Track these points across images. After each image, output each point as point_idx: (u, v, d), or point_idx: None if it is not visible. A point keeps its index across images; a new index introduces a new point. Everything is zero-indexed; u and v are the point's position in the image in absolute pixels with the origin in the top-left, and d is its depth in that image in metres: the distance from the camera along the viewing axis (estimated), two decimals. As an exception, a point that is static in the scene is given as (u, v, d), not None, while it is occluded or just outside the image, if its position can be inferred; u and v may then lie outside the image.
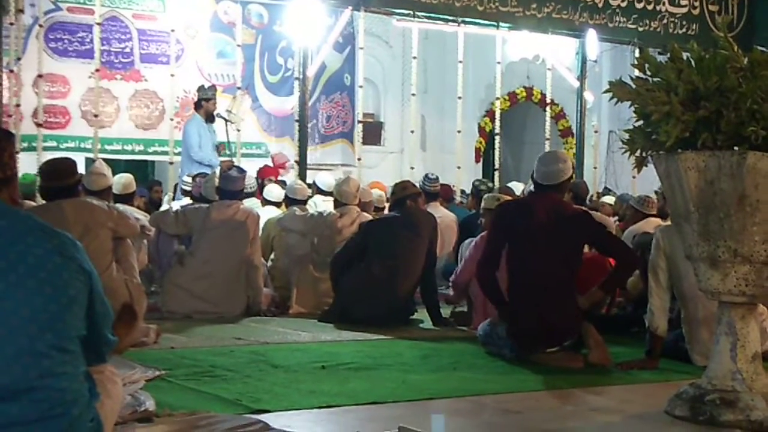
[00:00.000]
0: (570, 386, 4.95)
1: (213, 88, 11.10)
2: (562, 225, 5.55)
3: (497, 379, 5.12)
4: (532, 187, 6.04)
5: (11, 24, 9.13)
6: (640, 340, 5.73)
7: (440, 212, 8.99)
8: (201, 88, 10.97)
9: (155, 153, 12.11)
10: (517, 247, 5.64)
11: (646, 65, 4.08)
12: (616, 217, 9.76)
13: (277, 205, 9.00)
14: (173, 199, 9.76)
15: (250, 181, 8.99)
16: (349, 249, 7.27)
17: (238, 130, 10.66)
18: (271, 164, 11.40)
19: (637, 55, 10.84)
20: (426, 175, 9.56)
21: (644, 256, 6.06)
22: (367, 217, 7.91)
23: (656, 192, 8.82)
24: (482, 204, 7.76)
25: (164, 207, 9.34)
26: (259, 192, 9.55)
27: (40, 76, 9.85)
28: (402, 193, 7.46)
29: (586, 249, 6.09)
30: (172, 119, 10.24)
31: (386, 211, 8.61)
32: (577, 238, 5.63)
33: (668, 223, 6.32)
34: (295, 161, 10.72)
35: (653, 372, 5.31)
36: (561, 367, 5.34)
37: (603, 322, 6.05)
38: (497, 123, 12.20)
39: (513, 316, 5.59)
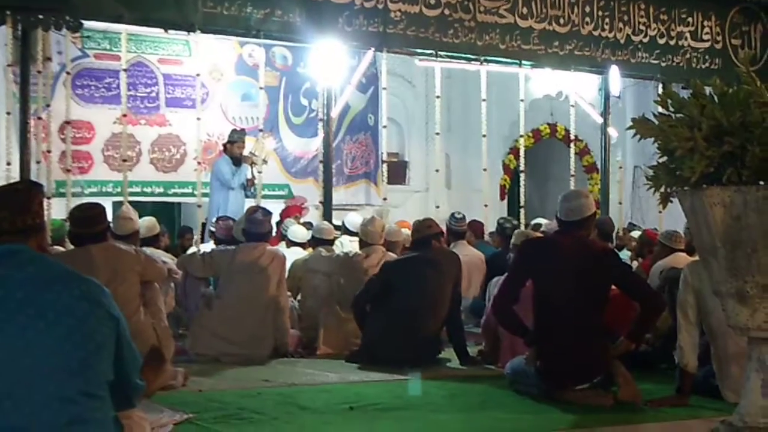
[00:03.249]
0: (600, 424, 4.92)
1: (242, 132, 11.19)
2: (588, 262, 5.53)
3: (526, 418, 5.09)
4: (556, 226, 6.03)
5: (39, 72, 9.24)
6: (670, 376, 5.68)
7: (467, 251, 8.97)
8: (232, 132, 11.11)
9: (175, 195, 12.22)
10: (543, 285, 5.62)
11: (669, 101, 4.08)
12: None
13: (302, 246, 9.01)
14: (201, 241, 9.82)
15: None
16: (370, 289, 7.25)
17: (260, 172, 10.71)
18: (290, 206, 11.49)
19: (660, 89, 10.87)
20: (452, 214, 9.56)
21: (672, 292, 6.02)
22: (393, 257, 7.90)
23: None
24: (512, 240, 7.75)
25: (191, 250, 9.39)
26: (279, 233, 9.58)
27: (67, 122, 9.96)
28: (426, 231, 7.38)
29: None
30: (199, 162, 10.31)
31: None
32: (603, 276, 5.60)
33: (696, 258, 6.27)
34: (320, 202, 10.76)
35: (684, 409, 5.26)
36: (590, 404, 5.30)
37: (631, 358, 6.00)
38: (522, 160, 12.19)
39: (540, 353, 5.56)
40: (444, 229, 8.67)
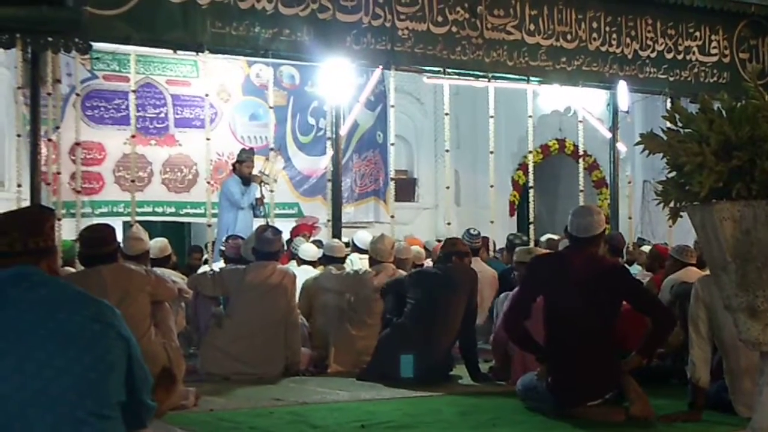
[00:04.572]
0: (612, 441, 4.91)
1: (251, 151, 11.22)
2: (599, 278, 5.52)
3: (538, 435, 5.08)
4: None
5: (49, 94, 9.28)
6: (682, 391, 5.66)
7: (480, 267, 8.95)
8: (241, 152, 11.15)
9: (187, 215, 12.24)
10: (554, 301, 5.61)
11: (677, 117, 4.08)
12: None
13: (313, 264, 9.01)
14: (212, 260, 9.83)
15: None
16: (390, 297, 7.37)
17: (272, 191, 10.74)
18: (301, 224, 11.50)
19: (668, 104, 10.86)
20: (467, 231, 9.55)
21: (683, 307, 6.01)
22: (403, 274, 7.91)
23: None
24: (515, 257, 7.74)
25: (202, 269, 9.40)
26: (288, 252, 9.58)
27: (77, 144, 10.01)
28: (450, 249, 7.44)
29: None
30: (209, 182, 10.33)
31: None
32: (614, 292, 5.59)
33: (707, 272, 6.25)
34: (327, 220, 10.78)
35: (697, 424, 5.23)
36: (602, 420, 5.29)
37: (643, 373, 5.98)
38: (530, 176, 12.19)
39: (552, 369, 5.55)
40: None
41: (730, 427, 4.94)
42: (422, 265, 8.94)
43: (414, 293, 7.16)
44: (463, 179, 15.63)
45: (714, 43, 12.38)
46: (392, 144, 11.37)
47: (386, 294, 7.56)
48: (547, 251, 8.24)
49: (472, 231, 9.56)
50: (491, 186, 11.56)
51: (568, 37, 11.36)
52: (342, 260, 8.65)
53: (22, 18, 8.49)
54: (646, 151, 4.23)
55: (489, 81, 11.09)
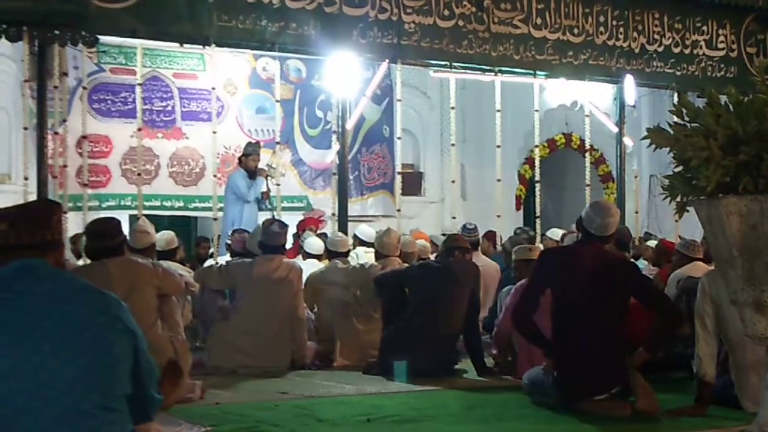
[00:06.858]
0: (618, 435, 4.90)
1: (257, 144, 11.21)
2: (607, 273, 5.52)
3: (544, 428, 5.08)
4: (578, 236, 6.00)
5: (56, 87, 9.30)
6: (688, 386, 5.66)
7: (482, 261, 8.96)
8: (246, 145, 11.14)
9: (195, 209, 12.22)
10: (563, 295, 5.60)
11: (684, 111, 4.08)
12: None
13: (318, 258, 9.01)
14: (218, 254, 9.84)
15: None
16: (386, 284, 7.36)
17: (278, 185, 10.75)
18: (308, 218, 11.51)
19: (675, 99, 10.84)
20: (464, 225, 9.56)
21: (689, 301, 6.00)
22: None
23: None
24: (513, 256, 7.72)
25: (208, 263, 9.41)
26: (296, 246, 9.59)
27: (84, 137, 10.01)
28: (453, 243, 7.46)
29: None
30: (215, 175, 10.34)
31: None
32: (622, 287, 5.58)
33: (714, 267, 6.23)
34: (332, 214, 10.78)
35: (703, 419, 5.23)
36: (608, 415, 5.28)
37: (649, 365, 5.96)
38: (537, 170, 12.19)
39: (559, 363, 5.55)
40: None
41: (736, 421, 4.93)
42: (427, 259, 8.94)
43: (417, 287, 7.14)
44: (469, 173, 15.61)
45: (721, 38, 12.37)
46: (399, 138, 11.37)
47: (382, 286, 7.48)
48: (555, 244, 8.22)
49: (468, 225, 9.59)
50: (498, 180, 11.56)
51: (575, 31, 11.36)
52: (346, 254, 8.64)
53: (29, 11, 8.51)
54: (653, 146, 4.23)
55: (495, 75, 11.10)
